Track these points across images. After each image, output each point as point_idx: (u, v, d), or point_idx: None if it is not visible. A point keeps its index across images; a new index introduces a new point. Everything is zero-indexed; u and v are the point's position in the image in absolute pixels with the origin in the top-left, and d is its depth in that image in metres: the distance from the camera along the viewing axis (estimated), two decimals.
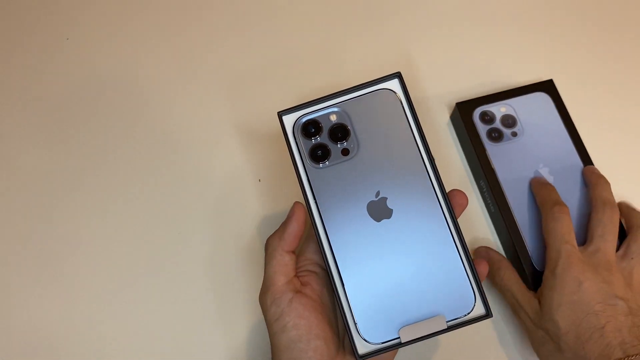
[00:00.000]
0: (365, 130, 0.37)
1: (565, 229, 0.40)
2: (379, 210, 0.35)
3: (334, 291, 0.35)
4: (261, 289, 0.37)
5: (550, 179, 0.45)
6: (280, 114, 0.38)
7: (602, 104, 0.51)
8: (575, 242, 0.39)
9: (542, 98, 0.48)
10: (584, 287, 0.37)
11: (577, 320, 0.37)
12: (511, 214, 0.44)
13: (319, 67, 0.54)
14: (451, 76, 0.53)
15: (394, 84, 0.38)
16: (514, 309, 0.42)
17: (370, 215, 0.35)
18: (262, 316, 0.38)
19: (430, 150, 0.36)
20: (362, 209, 0.36)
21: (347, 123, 0.37)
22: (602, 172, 0.45)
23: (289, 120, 0.38)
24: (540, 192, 0.43)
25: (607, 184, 0.43)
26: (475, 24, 0.55)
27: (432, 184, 0.36)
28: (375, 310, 0.34)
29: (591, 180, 0.44)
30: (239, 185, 0.49)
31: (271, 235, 0.38)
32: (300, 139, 0.37)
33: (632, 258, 0.40)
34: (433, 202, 0.35)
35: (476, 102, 0.48)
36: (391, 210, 0.35)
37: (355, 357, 0.34)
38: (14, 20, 0.57)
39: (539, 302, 0.39)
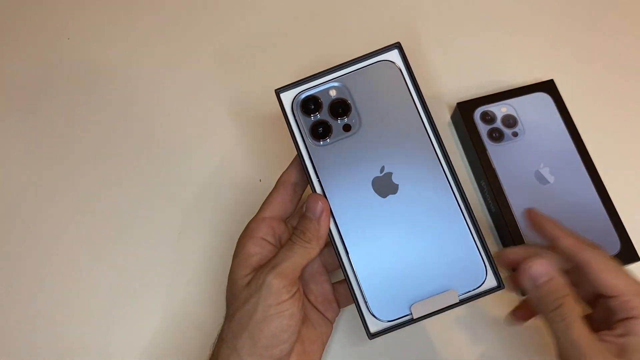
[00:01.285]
0: (367, 104, 0.36)
1: (616, 262, 0.33)
2: (385, 186, 0.35)
3: (341, 270, 0.34)
4: (274, 267, 0.33)
5: (551, 178, 0.45)
6: (278, 92, 0.36)
7: (603, 104, 0.51)
8: None
9: (543, 98, 0.48)
10: None
11: None
12: (512, 214, 0.44)
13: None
14: (452, 76, 0.52)
15: (394, 55, 0.36)
16: None
17: (375, 191, 0.35)
18: None
19: (433, 121, 0.35)
20: (367, 185, 0.35)
21: (348, 98, 0.36)
22: (603, 172, 0.45)
23: (287, 97, 0.36)
24: (563, 230, 0.35)
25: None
26: (477, 24, 0.55)
27: (438, 157, 0.35)
28: (385, 287, 0.34)
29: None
30: (239, 185, 0.49)
31: (304, 229, 0.35)
32: (300, 116, 0.36)
33: None
34: (439, 175, 0.35)
35: (477, 102, 0.48)
36: (397, 185, 0.35)
37: (367, 336, 0.33)
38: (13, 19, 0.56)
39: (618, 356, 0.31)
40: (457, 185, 0.34)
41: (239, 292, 0.34)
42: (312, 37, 0.54)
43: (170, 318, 0.44)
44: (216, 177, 0.49)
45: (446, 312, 0.33)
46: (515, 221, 0.44)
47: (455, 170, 0.35)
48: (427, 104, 0.36)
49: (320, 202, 0.34)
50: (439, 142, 0.35)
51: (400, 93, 0.36)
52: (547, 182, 0.45)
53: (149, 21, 0.56)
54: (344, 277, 0.35)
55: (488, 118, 0.48)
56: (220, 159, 0.50)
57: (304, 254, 0.34)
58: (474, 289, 0.33)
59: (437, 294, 0.33)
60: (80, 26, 0.56)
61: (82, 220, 0.48)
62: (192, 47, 0.55)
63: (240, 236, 0.37)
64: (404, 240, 0.34)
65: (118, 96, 0.53)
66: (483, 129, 0.47)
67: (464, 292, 0.33)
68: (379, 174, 0.35)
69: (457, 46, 0.54)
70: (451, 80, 0.52)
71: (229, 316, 0.35)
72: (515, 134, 0.47)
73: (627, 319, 0.32)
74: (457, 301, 0.33)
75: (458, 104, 0.48)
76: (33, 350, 0.44)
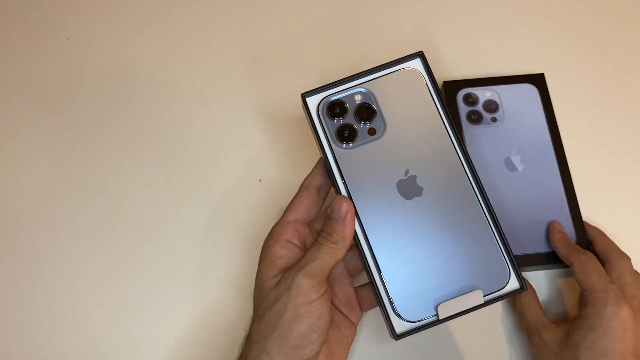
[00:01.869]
0: (391, 110, 0.37)
1: (602, 269, 0.39)
2: (410, 189, 0.35)
3: (366, 271, 0.35)
4: (303, 267, 0.34)
5: (520, 167, 0.45)
6: (304, 95, 0.37)
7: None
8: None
9: (529, 90, 0.48)
10: (628, 336, 0.36)
11: None
12: None
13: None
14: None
15: (416, 63, 0.37)
16: (530, 334, 0.40)
17: (400, 193, 0.35)
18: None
19: (455, 126, 0.36)
20: (392, 188, 0.35)
21: (373, 102, 0.37)
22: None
23: (313, 102, 0.37)
24: (562, 241, 0.42)
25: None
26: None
27: (461, 160, 0.36)
28: (411, 288, 0.34)
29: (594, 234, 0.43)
30: (239, 185, 0.48)
31: (330, 230, 0.35)
32: (326, 119, 0.36)
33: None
34: (462, 179, 0.35)
35: (463, 83, 0.49)
36: (421, 188, 0.35)
37: (393, 337, 0.34)
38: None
39: (566, 334, 0.38)
40: (480, 188, 0.35)
41: (267, 293, 0.35)
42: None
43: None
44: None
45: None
46: None
47: (478, 174, 0.35)
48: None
49: (344, 204, 0.35)
50: (462, 147, 0.36)
51: (423, 99, 0.37)
52: (516, 169, 0.45)
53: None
54: (368, 280, 0.35)
55: (470, 100, 0.48)
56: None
57: (331, 254, 0.34)
58: (497, 290, 0.34)
59: (462, 294, 0.34)
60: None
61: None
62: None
63: (266, 239, 0.37)
64: (429, 242, 0.35)
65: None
66: (463, 109, 0.48)
67: (488, 292, 0.34)
68: (403, 177, 0.36)
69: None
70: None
71: (257, 316, 0.35)
72: (494, 119, 0.47)
73: (584, 306, 0.38)
74: (482, 302, 0.34)
75: (444, 82, 0.49)
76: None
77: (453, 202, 0.35)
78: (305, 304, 0.33)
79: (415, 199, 0.35)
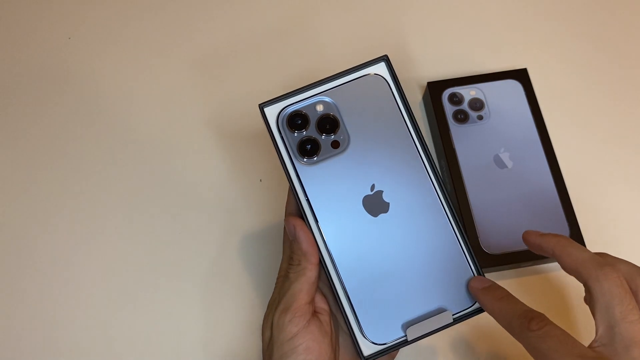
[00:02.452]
0: (355, 120, 0.35)
1: (564, 340, 0.28)
2: (376, 205, 0.34)
3: (332, 292, 0.33)
4: (279, 305, 0.33)
5: (509, 163, 0.45)
6: (262, 106, 0.35)
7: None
8: (588, 350, 0.28)
9: (514, 86, 0.48)
10: None
11: None
12: (465, 194, 0.44)
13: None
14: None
15: (381, 68, 0.35)
16: None
17: (366, 210, 0.34)
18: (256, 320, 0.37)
19: (423, 137, 0.34)
20: (357, 204, 0.34)
21: (335, 113, 0.35)
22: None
23: (272, 112, 0.35)
24: (494, 306, 0.31)
25: (574, 242, 0.32)
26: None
27: (428, 174, 0.34)
28: (379, 308, 0.33)
29: (552, 247, 0.32)
30: (239, 185, 0.48)
31: (291, 254, 0.34)
32: (287, 132, 0.34)
33: None
34: (430, 193, 0.34)
35: (447, 83, 0.49)
36: (388, 204, 0.34)
37: (361, 359, 0.33)
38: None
39: None
40: (448, 203, 0.34)
41: (265, 343, 0.34)
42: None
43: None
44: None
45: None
46: (467, 201, 0.44)
47: (446, 187, 0.34)
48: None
49: (291, 222, 0.33)
50: (429, 159, 0.34)
51: (389, 108, 0.35)
52: (505, 166, 0.45)
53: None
54: (334, 301, 0.34)
55: (456, 100, 0.48)
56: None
57: (300, 279, 0.33)
58: (467, 308, 0.33)
59: (431, 313, 0.33)
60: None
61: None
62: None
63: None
64: (396, 260, 0.33)
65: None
66: (449, 109, 0.48)
67: (458, 311, 0.33)
68: (369, 192, 0.34)
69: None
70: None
71: None
72: (480, 117, 0.47)
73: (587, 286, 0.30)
74: (452, 321, 0.33)
75: (428, 83, 0.49)
76: None
77: (420, 218, 0.34)
78: (288, 341, 0.32)
79: (381, 215, 0.34)
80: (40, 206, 0.47)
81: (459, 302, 0.33)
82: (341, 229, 0.34)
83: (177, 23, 0.54)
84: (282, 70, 0.52)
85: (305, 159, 0.34)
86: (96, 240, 0.46)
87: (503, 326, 0.30)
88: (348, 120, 0.35)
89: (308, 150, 0.34)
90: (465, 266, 0.34)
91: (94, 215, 0.47)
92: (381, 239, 0.34)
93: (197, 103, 0.51)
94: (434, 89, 0.48)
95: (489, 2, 0.55)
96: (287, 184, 0.47)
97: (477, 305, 0.33)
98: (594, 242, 0.44)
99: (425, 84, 0.50)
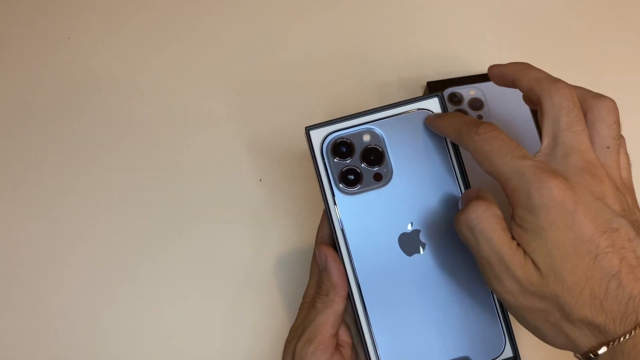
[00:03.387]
0: (401, 154, 0.34)
1: (507, 143, 0.28)
2: (411, 244, 0.33)
3: (358, 329, 0.33)
4: (302, 334, 0.32)
5: None
6: (308, 129, 0.34)
7: None
8: (529, 154, 0.28)
9: None
10: (578, 216, 0.26)
11: (587, 269, 0.26)
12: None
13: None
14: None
15: (434, 104, 0.35)
16: (490, 271, 0.28)
17: (401, 248, 0.33)
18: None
19: (467, 178, 0.34)
20: (393, 241, 0.33)
21: (382, 145, 0.34)
22: None
23: (317, 136, 0.34)
24: (445, 121, 0.32)
25: (530, 65, 0.31)
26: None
27: None
28: (401, 348, 0.33)
29: (513, 72, 0.31)
30: (239, 185, 0.48)
31: (320, 283, 0.33)
32: (329, 159, 0.34)
33: (607, 147, 0.29)
34: None
35: (447, 82, 0.49)
36: (424, 244, 0.33)
37: None
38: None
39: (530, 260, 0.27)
40: None
41: None
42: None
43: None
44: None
45: None
46: None
47: None
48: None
49: (322, 251, 0.33)
50: None
51: (437, 146, 0.34)
52: None
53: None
54: (358, 336, 0.34)
55: (455, 99, 0.48)
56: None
57: (326, 310, 0.32)
58: (492, 359, 0.33)
59: None
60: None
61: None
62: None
63: None
64: (425, 304, 0.33)
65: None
66: (449, 109, 0.47)
67: None
68: (406, 230, 0.33)
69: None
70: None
71: None
72: (479, 117, 0.47)
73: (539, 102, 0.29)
74: None
75: (428, 83, 0.49)
76: None
77: (454, 262, 0.33)
78: None
79: (416, 255, 0.33)
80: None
81: (483, 352, 0.33)
82: (373, 263, 0.33)
83: (176, 21, 0.54)
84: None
85: (346, 188, 0.34)
86: (94, 238, 0.46)
87: (452, 137, 0.32)
88: (393, 154, 0.34)
89: (350, 180, 0.34)
90: (494, 315, 0.33)
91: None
92: (413, 280, 0.33)
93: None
94: (434, 89, 0.48)
95: (489, 2, 0.55)
96: (287, 184, 0.47)
97: (502, 356, 0.33)
98: None
99: (425, 83, 0.50)
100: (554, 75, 0.30)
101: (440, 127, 0.33)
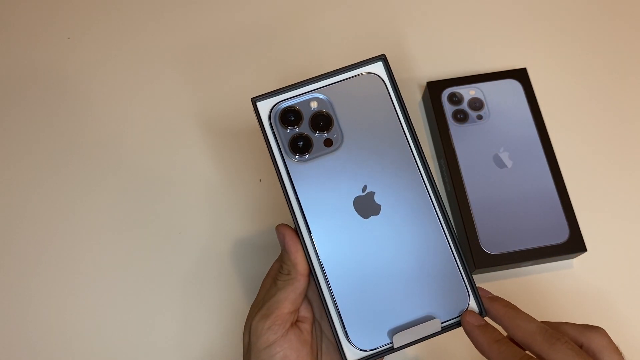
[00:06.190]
0: (349, 119, 0.34)
1: None
2: (367, 206, 0.33)
3: (319, 297, 0.32)
4: (259, 311, 0.33)
5: (509, 163, 0.45)
6: (255, 100, 0.34)
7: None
8: None
9: (513, 85, 0.48)
10: None
11: None
12: (465, 194, 0.44)
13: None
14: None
15: (378, 68, 0.35)
16: None
17: (357, 211, 0.33)
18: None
19: (418, 139, 0.34)
20: (348, 205, 0.33)
21: (330, 110, 0.34)
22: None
23: (265, 107, 0.34)
24: (516, 322, 0.31)
25: (521, 312, 0.31)
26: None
27: (422, 176, 0.33)
28: (365, 314, 0.32)
29: (500, 319, 0.32)
30: (239, 185, 0.47)
31: (280, 260, 0.34)
32: (279, 128, 0.34)
33: None
34: (423, 197, 0.33)
35: (447, 82, 0.49)
36: (379, 206, 0.33)
37: None
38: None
39: None
40: (441, 208, 0.33)
41: (243, 343, 0.34)
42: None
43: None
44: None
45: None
46: (467, 200, 0.44)
47: (439, 191, 0.33)
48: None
49: (280, 230, 0.33)
50: (423, 161, 0.34)
51: (384, 108, 0.34)
52: (505, 166, 0.45)
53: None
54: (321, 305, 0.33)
55: (455, 99, 0.48)
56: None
57: (287, 288, 0.32)
58: (456, 317, 0.32)
59: (419, 321, 0.32)
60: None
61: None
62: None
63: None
64: (385, 264, 0.32)
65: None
66: (449, 109, 0.48)
67: (446, 319, 0.32)
68: (361, 193, 0.33)
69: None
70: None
71: None
72: (480, 117, 0.47)
73: None
74: (440, 329, 0.32)
75: (428, 83, 0.49)
76: None
77: (412, 222, 0.33)
78: (265, 348, 0.31)
79: (372, 217, 0.33)
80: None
81: (448, 310, 0.32)
82: (331, 230, 0.33)
83: (175, 20, 0.54)
84: (277, 67, 0.52)
85: (296, 157, 0.33)
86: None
87: (523, 336, 0.30)
88: (342, 119, 0.34)
89: (300, 147, 0.33)
90: (456, 274, 0.33)
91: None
92: (371, 242, 0.33)
93: (192, 100, 0.51)
94: (434, 89, 0.48)
95: (489, 2, 0.55)
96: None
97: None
98: (594, 241, 0.44)
99: (425, 83, 0.50)
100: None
101: (485, 349, 0.31)
